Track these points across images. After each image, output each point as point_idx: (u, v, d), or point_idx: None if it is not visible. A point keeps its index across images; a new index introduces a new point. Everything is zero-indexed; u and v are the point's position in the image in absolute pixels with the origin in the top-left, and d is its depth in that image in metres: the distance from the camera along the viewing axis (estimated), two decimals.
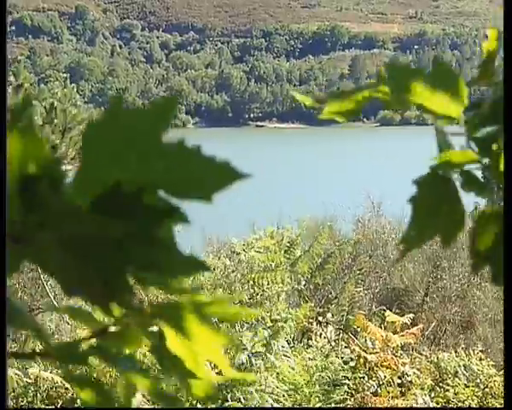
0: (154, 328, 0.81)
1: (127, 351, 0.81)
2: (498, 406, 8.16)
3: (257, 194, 47.69)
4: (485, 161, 0.96)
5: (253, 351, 7.67)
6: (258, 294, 9.79)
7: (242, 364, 7.55)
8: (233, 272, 10.34)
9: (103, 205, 0.72)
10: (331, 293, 11.41)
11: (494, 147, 0.96)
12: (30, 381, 7.81)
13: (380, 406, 7.94)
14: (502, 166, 0.95)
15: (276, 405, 7.59)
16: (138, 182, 0.71)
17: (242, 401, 7.43)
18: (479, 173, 0.96)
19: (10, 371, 7.66)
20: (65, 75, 20.65)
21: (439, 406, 8.32)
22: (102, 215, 0.72)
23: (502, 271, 0.96)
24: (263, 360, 7.63)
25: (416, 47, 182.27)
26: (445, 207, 0.96)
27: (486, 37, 1.02)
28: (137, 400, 0.83)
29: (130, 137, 0.72)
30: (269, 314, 9.08)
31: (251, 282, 9.85)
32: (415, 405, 8.11)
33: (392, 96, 0.98)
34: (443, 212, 0.97)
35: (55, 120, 17.38)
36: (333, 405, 7.96)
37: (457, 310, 11.61)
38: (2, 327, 0.73)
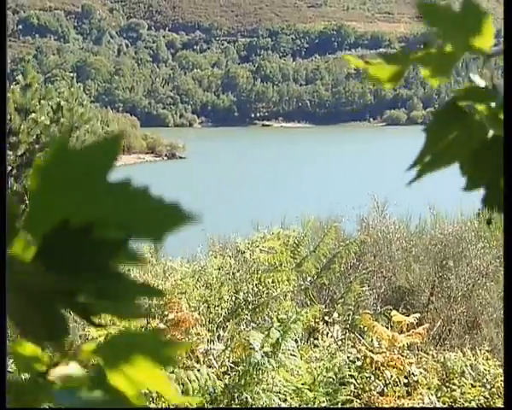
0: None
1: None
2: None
3: (262, 193, 47.65)
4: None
5: (263, 351, 7.67)
6: (264, 292, 9.80)
7: (252, 363, 7.56)
8: (238, 271, 10.36)
9: (53, 241, 0.72)
10: (336, 293, 11.41)
11: None
12: None
13: (386, 405, 7.94)
14: None
15: (283, 404, 7.60)
16: (87, 219, 0.72)
17: (250, 400, 7.44)
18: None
19: None
20: (72, 75, 20.70)
21: (445, 405, 8.31)
22: (53, 252, 0.72)
23: (495, 194, 0.96)
24: (273, 358, 7.63)
25: (422, 46, 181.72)
26: (462, 136, 0.96)
27: None
28: None
29: (76, 176, 0.72)
30: (276, 314, 9.09)
31: (256, 281, 9.86)
32: (421, 404, 8.11)
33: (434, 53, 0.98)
34: (461, 139, 0.96)
35: (63, 119, 17.44)
36: (339, 405, 7.97)
37: (463, 310, 11.59)
38: (1, 327, 0.73)
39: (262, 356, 7.60)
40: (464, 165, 0.96)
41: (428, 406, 8.17)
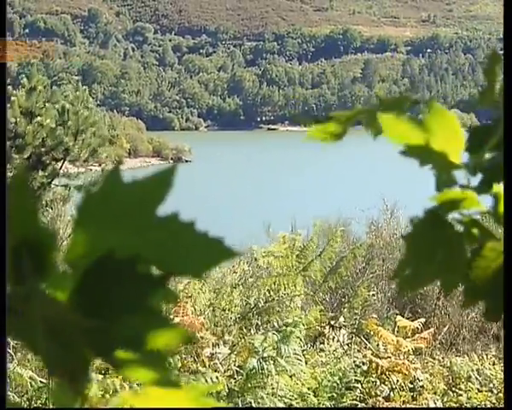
0: None
1: None
2: None
3: (268, 196, 47.65)
4: (485, 207, 0.90)
5: (265, 355, 7.65)
6: (273, 299, 9.77)
7: (253, 369, 7.53)
8: (251, 277, 10.36)
9: (94, 275, 0.72)
10: (344, 297, 11.37)
11: (496, 187, 0.90)
12: (45, 381, 7.79)
13: None
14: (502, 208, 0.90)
15: None
16: (132, 252, 0.72)
17: (253, 405, 7.41)
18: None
19: (24, 373, 7.66)
20: (77, 78, 20.74)
21: None
22: (92, 286, 0.71)
23: (495, 306, 0.92)
24: (274, 364, 7.60)
25: (428, 51, 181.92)
26: (442, 253, 0.90)
27: (487, 59, 0.97)
28: None
29: (125, 209, 0.72)
30: (283, 318, 9.06)
31: (267, 286, 9.83)
32: None
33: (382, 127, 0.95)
34: (440, 257, 0.90)
35: (69, 123, 17.47)
36: None
37: (473, 316, 11.53)
38: (1, 327, 0.72)
39: (262, 360, 7.57)
40: (446, 285, 0.92)
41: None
